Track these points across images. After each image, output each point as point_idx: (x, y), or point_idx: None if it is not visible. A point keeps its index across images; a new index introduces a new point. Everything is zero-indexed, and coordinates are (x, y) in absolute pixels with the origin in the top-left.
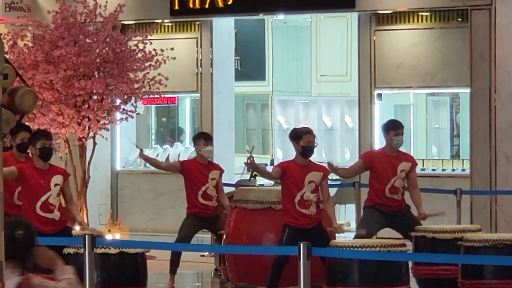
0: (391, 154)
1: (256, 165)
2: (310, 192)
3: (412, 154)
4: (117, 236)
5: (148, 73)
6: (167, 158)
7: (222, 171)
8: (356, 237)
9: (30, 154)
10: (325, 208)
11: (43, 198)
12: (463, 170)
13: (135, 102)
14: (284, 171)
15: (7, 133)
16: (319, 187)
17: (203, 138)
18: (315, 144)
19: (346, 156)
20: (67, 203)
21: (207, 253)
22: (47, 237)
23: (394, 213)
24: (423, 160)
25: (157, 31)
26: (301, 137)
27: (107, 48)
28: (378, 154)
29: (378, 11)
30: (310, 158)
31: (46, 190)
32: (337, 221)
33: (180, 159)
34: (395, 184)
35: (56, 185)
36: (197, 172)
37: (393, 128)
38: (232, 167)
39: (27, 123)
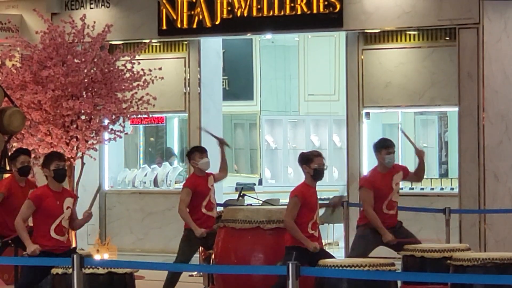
0: (384, 172)
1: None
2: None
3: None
4: (106, 256)
5: (136, 93)
6: (155, 178)
7: (211, 174)
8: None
9: (31, 177)
10: None
11: (57, 221)
12: (452, 189)
13: (123, 122)
14: (304, 198)
15: None
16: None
17: (197, 151)
18: (325, 167)
19: (335, 175)
20: (72, 222)
21: (195, 272)
22: (35, 257)
23: (388, 229)
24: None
25: (145, 51)
26: (312, 160)
27: (95, 68)
28: (374, 176)
29: (365, 30)
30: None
31: (61, 213)
32: (325, 241)
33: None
34: (392, 199)
35: (68, 208)
36: (202, 185)
37: (385, 147)
38: (221, 187)
39: (15, 144)
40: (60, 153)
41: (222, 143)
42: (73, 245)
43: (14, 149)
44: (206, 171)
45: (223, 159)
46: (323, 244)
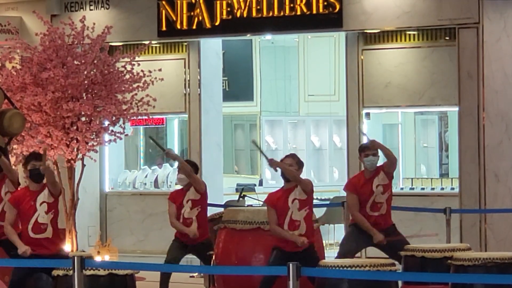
0: (367, 177)
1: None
2: (297, 210)
3: (400, 173)
4: (106, 258)
5: (136, 94)
6: (156, 180)
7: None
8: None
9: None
10: None
11: (33, 220)
12: (452, 188)
13: (124, 123)
14: (273, 204)
15: None
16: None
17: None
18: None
19: (335, 175)
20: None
21: (196, 274)
22: (35, 260)
23: (381, 232)
24: (412, 179)
25: (145, 52)
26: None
27: (95, 70)
28: (358, 179)
29: (365, 31)
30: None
31: (34, 212)
32: (326, 241)
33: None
34: (375, 200)
35: (42, 203)
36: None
37: (362, 150)
38: (221, 188)
39: (15, 146)
40: (38, 153)
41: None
42: (65, 250)
43: (14, 151)
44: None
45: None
46: (324, 243)
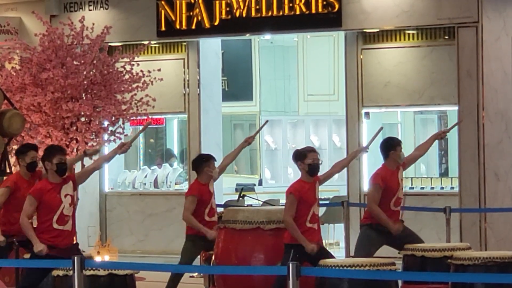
0: (392, 169)
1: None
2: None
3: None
4: (106, 258)
5: (135, 94)
6: (155, 180)
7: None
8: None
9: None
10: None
11: (59, 212)
12: (452, 188)
13: (123, 123)
14: (300, 195)
15: None
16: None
17: (213, 159)
18: (320, 162)
19: (335, 175)
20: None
21: (196, 274)
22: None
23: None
24: (411, 178)
25: (144, 53)
26: (306, 156)
27: (94, 70)
28: (385, 172)
29: (364, 30)
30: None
31: (60, 204)
32: (326, 241)
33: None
34: (399, 195)
35: (66, 195)
36: (206, 192)
37: (398, 143)
38: (221, 188)
39: (15, 146)
40: (61, 146)
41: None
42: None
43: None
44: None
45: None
46: (323, 243)
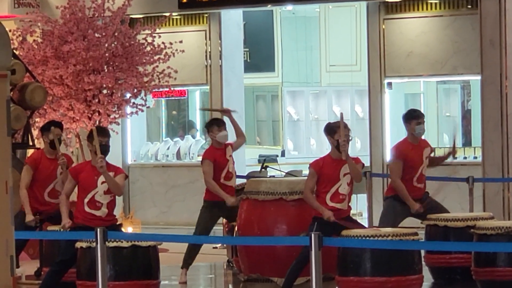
0: (414, 143)
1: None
2: (346, 184)
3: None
4: (129, 230)
5: (157, 66)
6: (178, 151)
7: (229, 145)
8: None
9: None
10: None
11: (90, 195)
12: (475, 157)
13: (145, 95)
14: (320, 170)
15: (18, 129)
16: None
17: (216, 124)
18: (350, 138)
19: (357, 145)
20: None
21: (219, 245)
22: (57, 232)
23: (416, 200)
24: (434, 148)
25: (165, 24)
26: (336, 132)
27: (115, 42)
28: (405, 146)
29: (386, 0)
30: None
31: (94, 187)
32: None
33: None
34: (422, 172)
35: (103, 183)
36: (220, 156)
37: (414, 117)
38: (243, 159)
39: (37, 119)
40: (105, 128)
41: (225, 111)
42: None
43: (37, 124)
44: (227, 144)
45: (235, 125)
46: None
